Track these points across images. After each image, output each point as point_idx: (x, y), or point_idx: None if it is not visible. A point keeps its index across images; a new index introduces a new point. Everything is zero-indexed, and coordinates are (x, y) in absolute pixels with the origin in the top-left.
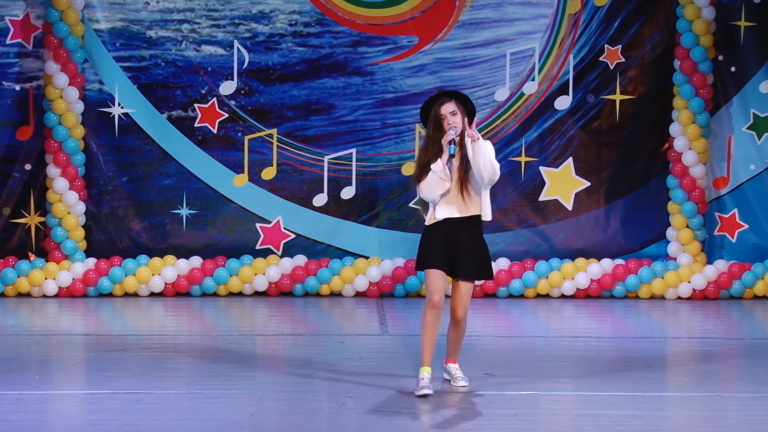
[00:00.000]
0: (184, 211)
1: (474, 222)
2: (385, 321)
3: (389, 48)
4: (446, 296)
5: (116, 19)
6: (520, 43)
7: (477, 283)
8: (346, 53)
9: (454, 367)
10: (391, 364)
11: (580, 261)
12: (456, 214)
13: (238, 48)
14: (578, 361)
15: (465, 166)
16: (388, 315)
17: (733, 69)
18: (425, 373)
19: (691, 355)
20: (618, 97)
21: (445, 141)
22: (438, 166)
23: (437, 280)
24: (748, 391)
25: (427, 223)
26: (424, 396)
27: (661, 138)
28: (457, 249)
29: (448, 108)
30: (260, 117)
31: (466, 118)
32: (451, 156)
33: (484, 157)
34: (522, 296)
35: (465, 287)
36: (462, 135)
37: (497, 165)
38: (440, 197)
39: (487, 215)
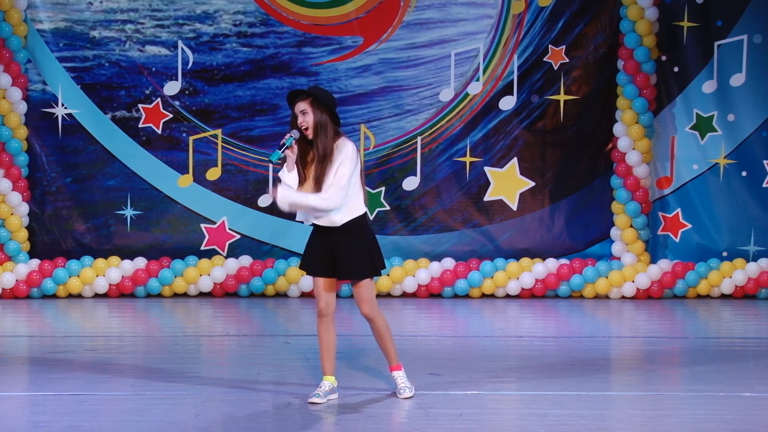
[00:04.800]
0: (129, 212)
1: (345, 225)
2: None
3: (334, 48)
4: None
5: (59, 19)
6: (464, 43)
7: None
8: (290, 53)
9: (398, 375)
10: (336, 364)
11: (525, 261)
12: (321, 222)
13: (182, 48)
14: (523, 361)
15: (320, 171)
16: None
17: (676, 69)
18: (325, 381)
19: (635, 355)
20: (562, 97)
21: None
22: (284, 173)
23: (319, 286)
24: (691, 390)
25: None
26: (312, 404)
27: (605, 138)
28: (336, 251)
29: (299, 107)
30: (205, 117)
31: (325, 115)
32: (271, 162)
33: (301, 208)
34: (467, 296)
35: (358, 286)
36: (316, 132)
37: (323, 203)
38: None
39: (346, 216)
